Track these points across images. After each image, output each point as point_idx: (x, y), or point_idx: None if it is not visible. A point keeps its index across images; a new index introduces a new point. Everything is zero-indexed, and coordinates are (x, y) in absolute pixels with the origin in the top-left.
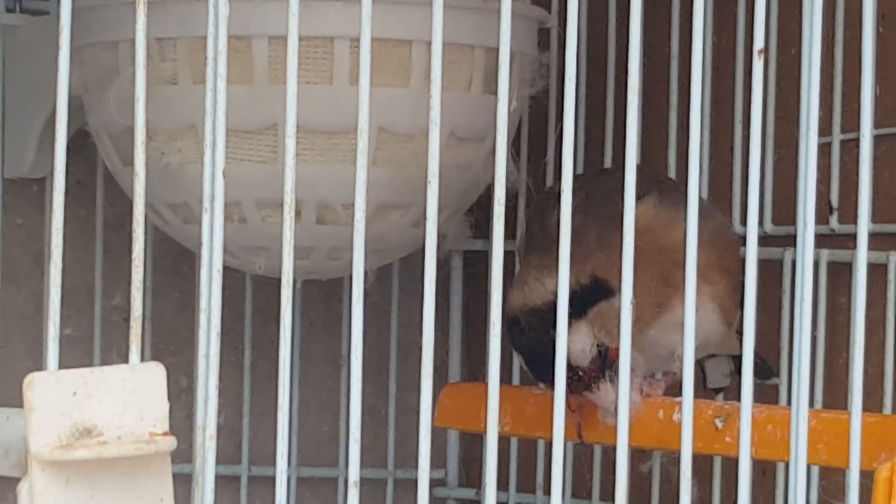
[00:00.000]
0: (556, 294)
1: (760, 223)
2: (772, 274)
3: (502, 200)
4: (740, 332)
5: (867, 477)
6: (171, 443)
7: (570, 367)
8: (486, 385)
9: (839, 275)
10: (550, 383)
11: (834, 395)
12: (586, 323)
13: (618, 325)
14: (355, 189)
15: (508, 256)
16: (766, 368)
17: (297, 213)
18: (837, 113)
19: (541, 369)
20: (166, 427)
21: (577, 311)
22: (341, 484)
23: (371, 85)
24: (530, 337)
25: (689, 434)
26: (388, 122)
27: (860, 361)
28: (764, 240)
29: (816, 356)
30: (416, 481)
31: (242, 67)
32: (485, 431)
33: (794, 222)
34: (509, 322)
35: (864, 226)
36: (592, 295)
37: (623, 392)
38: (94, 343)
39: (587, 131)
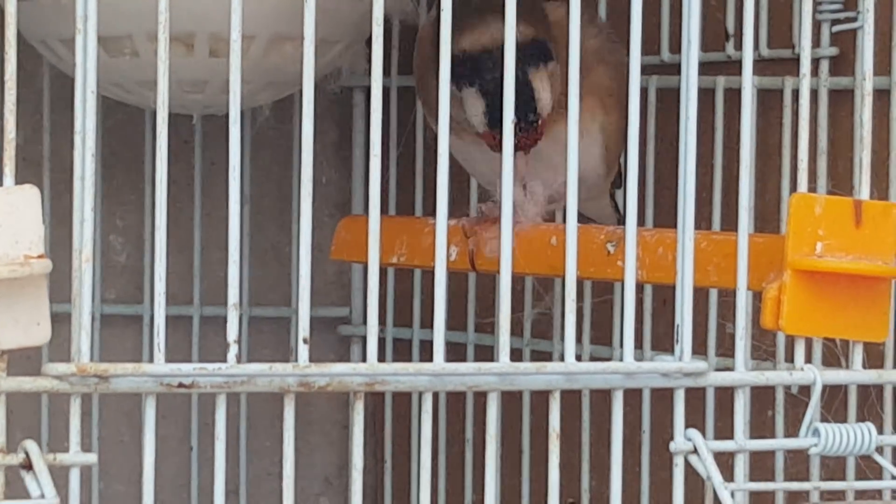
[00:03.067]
0: (525, 37)
1: (658, 52)
2: (670, 103)
3: (380, 21)
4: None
5: (759, 298)
6: (45, 265)
7: (533, 115)
8: (387, 217)
9: (736, 101)
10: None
11: (733, 224)
12: (547, 75)
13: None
14: (231, 9)
15: (405, 93)
16: None
17: (190, 46)
18: None
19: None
20: (41, 250)
21: (541, 60)
22: (245, 321)
23: None
24: (494, 73)
25: (573, 256)
26: None
27: (746, 181)
28: (661, 68)
29: (714, 183)
30: (321, 318)
31: None
32: (384, 263)
33: None
34: (473, 59)
35: (749, 46)
36: (543, 52)
37: (506, 214)
38: None
39: None
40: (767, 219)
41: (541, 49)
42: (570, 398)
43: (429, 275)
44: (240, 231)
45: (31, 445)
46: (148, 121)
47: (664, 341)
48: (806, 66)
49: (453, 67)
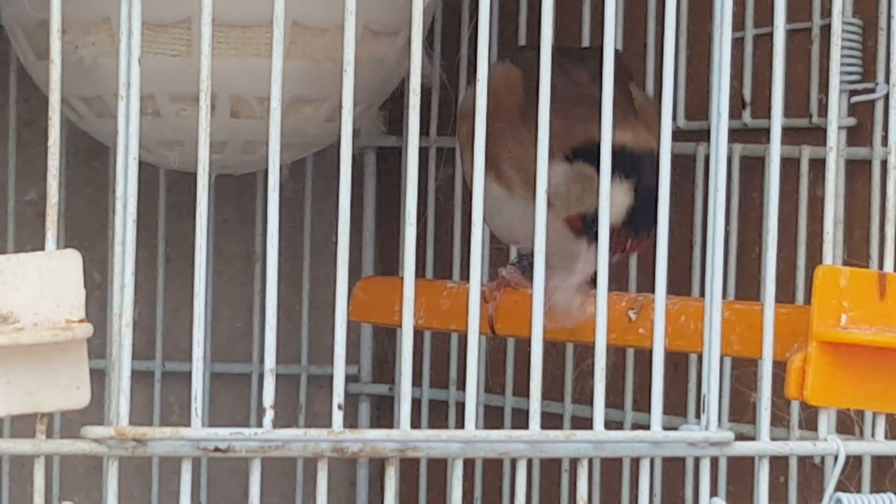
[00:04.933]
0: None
1: (674, 118)
2: (684, 169)
3: (417, 90)
4: None
5: (780, 367)
6: (87, 330)
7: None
8: (401, 279)
9: (752, 170)
10: (643, 235)
11: (746, 290)
12: None
13: None
14: (271, 79)
15: (421, 152)
16: None
17: (212, 107)
18: (750, 7)
19: (651, 217)
20: (83, 314)
21: None
22: (255, 379)
23: None
24: (651, 181)
25: (603, 325)
26: (301, 16)
27: (773, 252)
28: (677, 135)
29: (729, 251)
30: (329, 377)
31: None
32: (399, 324)
33: (707, 117)
34: (631, 158)
35: (777, 117)
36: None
37: (538, 282)
38: (8, 238)
39: (500, 27)
40: (782, 288)
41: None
42: None
43: (439, 336)
44: (278, 296)
45: None
46: (162, 178)
47: (677, 406)
48: (833, 139)
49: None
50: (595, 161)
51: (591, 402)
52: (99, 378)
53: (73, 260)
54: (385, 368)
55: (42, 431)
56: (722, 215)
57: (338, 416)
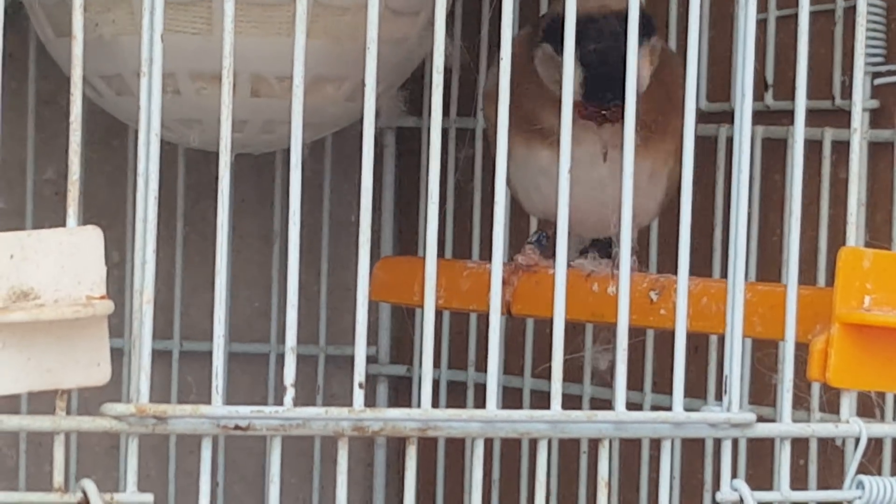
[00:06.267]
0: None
1: (696, 100)
2: (705, 151)
3: (441, 68)
4: None
5: (801, 349)
6: (108, 306)
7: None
8: (421, 258)
9: (774, 152)
10: (605, 102)
11: (768, 273)
12: (648, 50)
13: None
14: (294, 57)
15: (442, 132)
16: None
17: (232, 86)
18: None
19: (605, 83)
20: (104, 291)
21: (644, 34)
22: (272, 360)
23: None
24: (607, 43)
25: (625, 306)
26: None
27: (796, 233)
28: (698, 117)
29: (750, 233)
30: (347, 357)
31: None
32: (419, 304)
33: (729, 99)
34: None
35: (801, 99)
36: (646, 24)
37: (560, 262)
38: (26, 217)
39: (521, 6)
40: (804, 270)
41: (645, 21)
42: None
43: (457, 317)
44: (298, 276)
45: (88, 485)
46: (181, 157)
47: (696, 388)
48: (857, 120)
49: (557, 31)
50: (553, 39)
51: (610, 385)
52: (116, 358)
53: (94, 236)
54: (403, 349)
55: (62, 408)
56: (745, 196)
57: (359, 395)
